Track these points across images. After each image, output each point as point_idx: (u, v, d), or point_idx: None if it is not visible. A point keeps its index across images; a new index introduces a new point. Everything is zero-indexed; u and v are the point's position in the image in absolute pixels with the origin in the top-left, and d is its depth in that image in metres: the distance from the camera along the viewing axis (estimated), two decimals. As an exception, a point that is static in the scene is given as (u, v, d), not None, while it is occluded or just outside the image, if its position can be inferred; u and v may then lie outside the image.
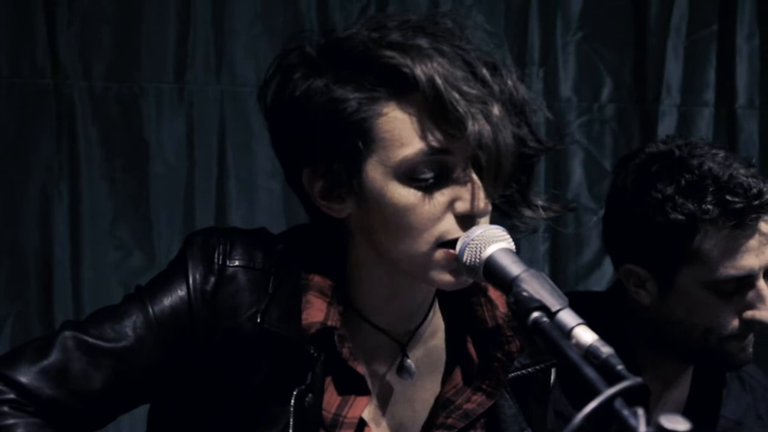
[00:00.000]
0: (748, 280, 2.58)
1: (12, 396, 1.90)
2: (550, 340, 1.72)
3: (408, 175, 1.88)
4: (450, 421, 2.01)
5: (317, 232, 2.00)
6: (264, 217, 3.52)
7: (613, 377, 1.64)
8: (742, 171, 2.55)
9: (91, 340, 1.93)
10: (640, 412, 1.54)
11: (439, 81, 1.85)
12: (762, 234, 2.56)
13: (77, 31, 3.47)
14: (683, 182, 2.55)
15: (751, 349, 2.65)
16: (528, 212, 1.97)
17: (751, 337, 2.63)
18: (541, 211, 1.97)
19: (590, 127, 3.98)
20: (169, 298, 1.94)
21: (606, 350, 1.68)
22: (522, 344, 1.99)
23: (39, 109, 3.46)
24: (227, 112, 3.58)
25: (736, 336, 2.61)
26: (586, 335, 1.71)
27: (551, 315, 1.75)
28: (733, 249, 2.55)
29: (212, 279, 1.94)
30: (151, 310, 1.94)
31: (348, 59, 1.90)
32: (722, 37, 4.04)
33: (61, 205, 3.47)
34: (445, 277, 1.91)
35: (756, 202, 2.53)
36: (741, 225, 2.54)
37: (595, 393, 1.58)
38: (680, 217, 2.54)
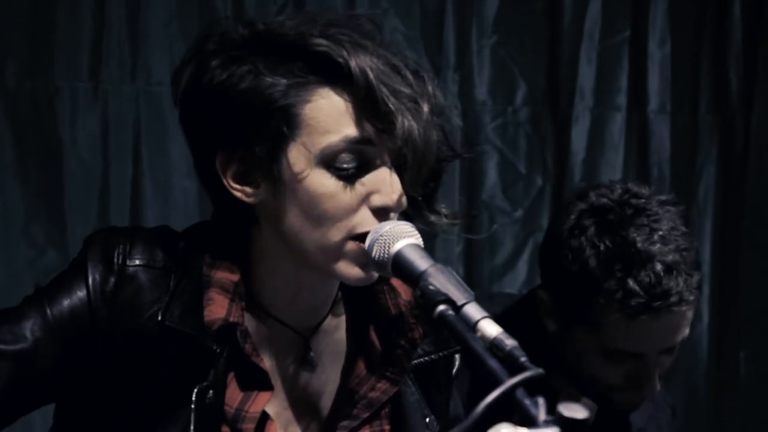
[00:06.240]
0: (640, 356, 2.58)
1: None
2: (456, 333, 1.74)
3: (330, 162, 1.89)
4: (355, 411, 2.01)
5: (221, 227, 2.00)
6: (179, 217, 3.49)
7: (516, 369, 1.66)
8: (669, 257, 2.51)
9: None
10: (541, 401, 1.57)
11: (371, 75, 1.87)
12: (668, 321, 2.53)
13: (-10, 29, 3.44)
14: (602, 248, 2.53)
15: (639, 402, 2.64)
16: (432, 217, 1.99)
17: (642, 398, 2.63)
18: (444, 217, 2.00)
19: (504, 130, 4.01)
20: (68, 300, 1.93)
21: (510, 342, 1.70)
22: (424, 331, 2.01)
23: (-50, 107, 3.42)
24: (142, 112, 3.56)
25: (623, 388, 2.61)
26: (490, 328, 1.73)
27: (457, 308, 1.76)
28: (630, 330, 2.53)
29: (112, 279, 1.93)
30: (49, 312, 1.93)
31: (278, 46, 1.90)
32: (634, 43, 4.09)
33: (-27, 204, 3.44)
34: (353, 271, 1.92)
35: (656, 304, 2.50)
36: (637, 317, 2.52)
37: (499, 383, 1.61)
38: (587, 282, 2.55)
